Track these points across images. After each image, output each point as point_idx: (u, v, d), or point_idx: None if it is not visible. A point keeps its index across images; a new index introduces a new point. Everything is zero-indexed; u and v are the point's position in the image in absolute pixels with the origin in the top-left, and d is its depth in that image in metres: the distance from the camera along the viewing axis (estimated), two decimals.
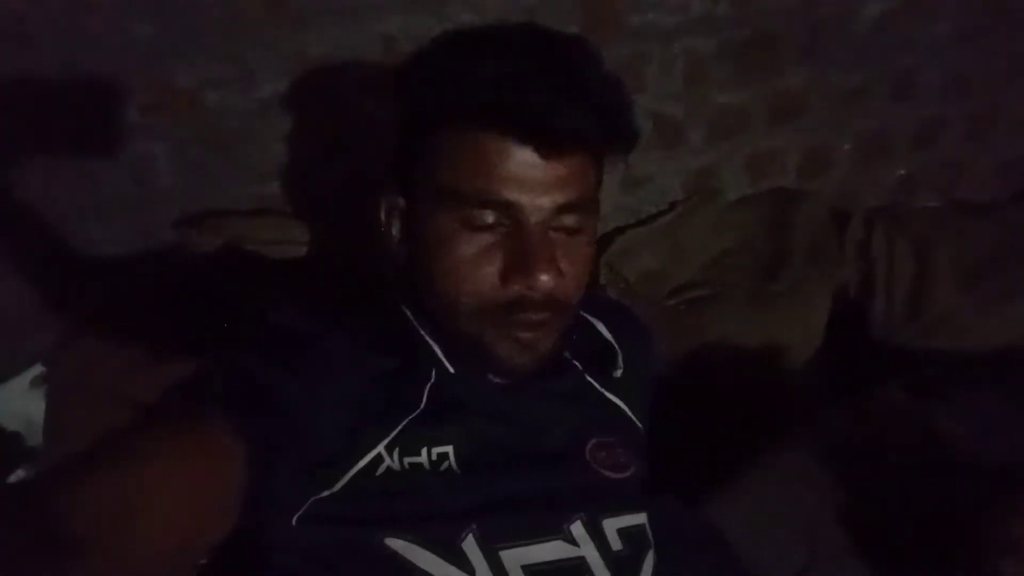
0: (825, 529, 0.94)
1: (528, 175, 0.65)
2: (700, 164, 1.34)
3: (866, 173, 1.43)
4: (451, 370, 0.73)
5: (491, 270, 0.67)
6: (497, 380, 0.74)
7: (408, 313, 0.77)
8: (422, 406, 0.69)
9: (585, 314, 0.86)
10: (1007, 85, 1.42)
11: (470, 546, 0.63)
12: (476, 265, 0.67)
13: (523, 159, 0.65)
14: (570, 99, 0.62)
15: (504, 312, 0.68)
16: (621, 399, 0.82)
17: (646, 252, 1.31)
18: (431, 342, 0.74)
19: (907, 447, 1.01)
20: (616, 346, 0.84)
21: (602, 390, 0.81)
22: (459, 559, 0.62)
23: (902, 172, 1.45)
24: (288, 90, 1.12)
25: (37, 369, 1.16)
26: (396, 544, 0.62)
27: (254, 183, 1.18)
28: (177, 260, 1.14)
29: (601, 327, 0.86)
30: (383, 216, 0.76)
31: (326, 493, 0.65)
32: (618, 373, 0.82)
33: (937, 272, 1.34)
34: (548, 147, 0.64)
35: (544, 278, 0.66)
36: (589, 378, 0.80)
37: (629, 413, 0.82)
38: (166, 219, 1.16)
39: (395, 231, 0.75)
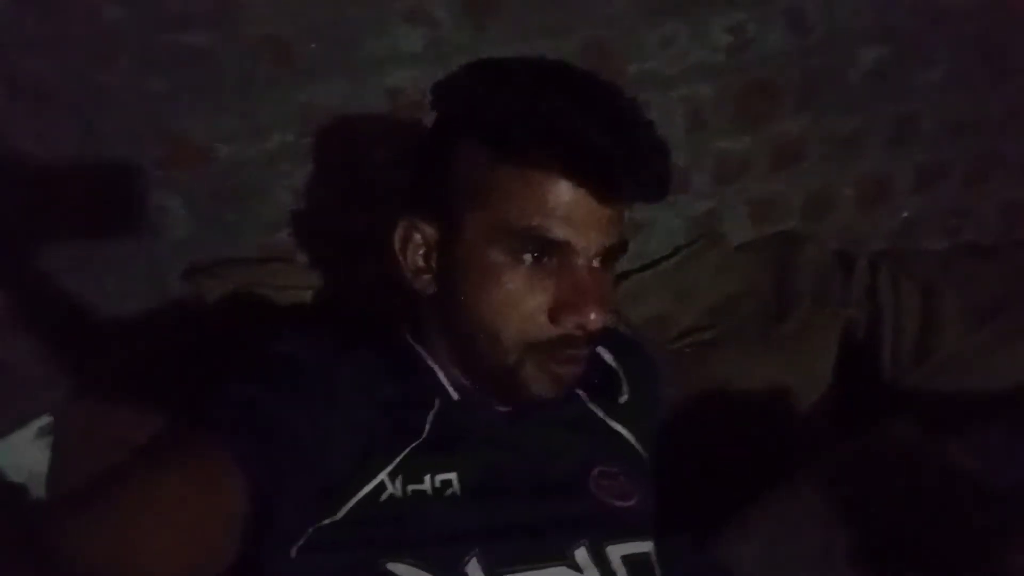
0: (837, 564, 0.92)
1: (582, 215, 0.66)
2: (703, 209, 1.36)
3: (868, 216, 1.44)
4: (455, 397, 0.73)
5: (538, 306, 0.68)
6: (501, 408, 0.74)
7: (412, 342, 0.77)
8: (425, 434, 0.69)
9: None
10: (1006, 128, 1.44)
11: (473, 570, 0.62)
12: (523, 300, 0.68)
13: (579, 199, 0.66)
14: (634, 148, 0.64)
15: (549, 347, 0.69)
16: (625, 427, 0.81)
17: (651, 297, 1.31)
18: (436, 370, 0.74)
19: (918, 479, 0.99)
20: (620, 373, 0.84)
21: (605, 418, 0.81)
22: None
23: (905, 215, 1.46)
24: (297, 143, 1.15)
25: (43, 420, 1.16)
26: (398, 568, 0.61)
27: (264, 233, 1.20)
28: (189, 308, 1.15)
29: (606, 355, 0.86)
30: (398, 243, 0.75)
31: (327, 521, 0.64)
32: (623, 399, 0.82)
33: (945, 314, 1.33)
34: (611, 192, 0.66)
35: (598, 317, 0.67)
36: (592, 406, 0.80)
37: (633, 442, 0.82)
38: (178, 270, 1.18)
39: (417, 259, 0.74)
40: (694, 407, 1.20)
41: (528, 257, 0.67)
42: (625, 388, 0.83)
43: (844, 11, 1.27)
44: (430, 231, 0.73)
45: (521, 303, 0.67)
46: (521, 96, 0.65)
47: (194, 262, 1.18)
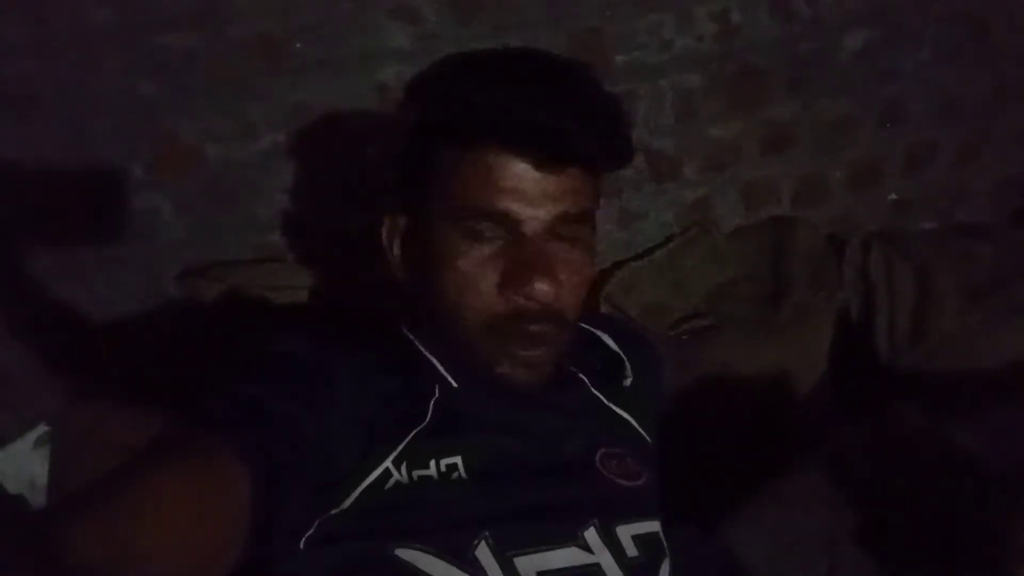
0: (844, 546, 0.92)
1: (526, 187, 0.66)
2: (694, 197, 1.36)
3: (860, 199, 1.45)
4: (455, 385, 0.72)
5: (490, 282, 0.68)
6: (501, 394, 0.73)
7: (409, 334, 0.77)
8: (428, 419, 0.69)
9: (591, 328, 0.86)
10: (995, 108, 1.44)
11: (483, 553, 0.62)
12: (476, 277, 0.68)
13: (521, 172, 0.66)
14: (570, 114, 0.64)
15: (504, 324, 0.68)
16: (628, 412, 0.81)
17: (646, 286, 1.31)
18: (433, 360, 0.74)
19: (924, 463, 0.99)
20: (624, 358, 0.84)
21: (609, 404, 0.80)
22: (472, 566, 0.61)
23: (893, 196, 1.46)
24: (287, 141, 1.15)
25: (41, 429, 1.15)
26: (407, 555, 0.61)
27: (257, 233, 1.20)
28: (183, 310, 1.14)
29: (608, 339, 0.86)
30: (384, 236, 0.77)
31: (334, 512, 0.64)
32: (628, 382, 0.82)
33: (939, 294, 1.33)
34: (548, 160, 0.65)
35: (541, 287, 0.66)
36: (595, 391, 0.80)
37: (636, 426, 0.81)
38: (172, 272, 1.17)
39: (396, 250, 0.77)
40: (692, 394, 1.20)
41: (478, 234, 0.67)
42: (629, 373, 0.83)
43: None
44: (403, 222, 0.75)
45: (474, 281, 0.68)
46: (463, 81, 0.67)
47: (188, 264, 1.17)
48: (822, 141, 1.38)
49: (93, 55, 1.05)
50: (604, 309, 1.28)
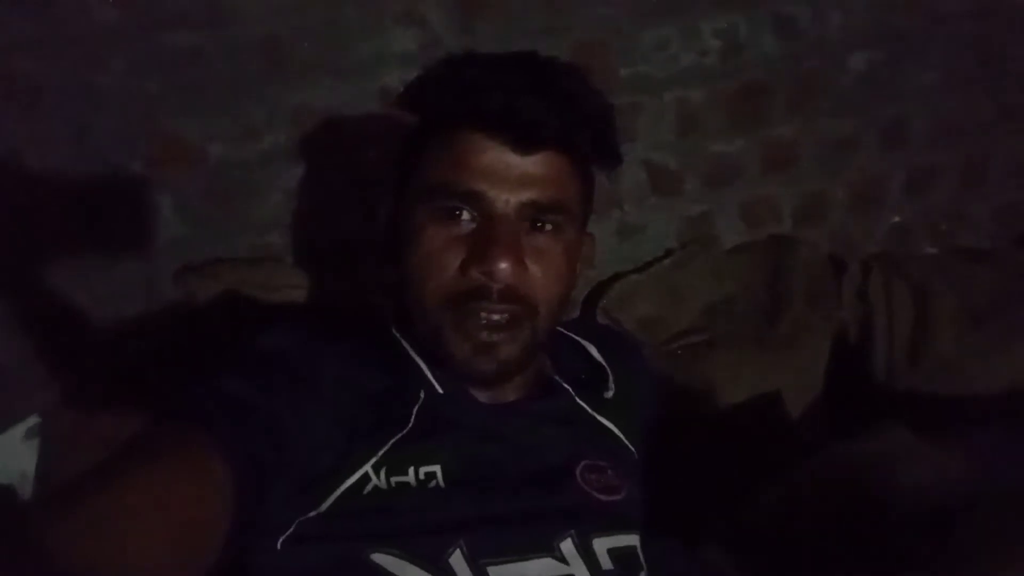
0: (829, 569, 0.91)
1: (498, 169, 0.67)
2: (695, 212, 1.36)
3: (861, 220, 1.44)
4: (440, 390, 0.73)
5: (455, 260, 0.68)
6: (485, 400, 0.74)
7: (398, 335, 0.77)
8: (410, 425, 0.69)
9: (577, 337, 0.86)
10: (997, 131, 1.44)
11: (457, 561, 0.62)
12: (441, 255, 0.68)
13: (492, 152, 0.67)
14: (543, 99, 0.65)
15: (463, 302, 0.68)
16: (613, 422, 0.81)
17: (644, 299, 1.31)
18: (420, 362, 0.74)
19: (910, 483, 0.98)
20: (607, 368, 0.84)
21: (593, 413, 0.80)
22: (446, 574, 0.61)
23: (897, 219, 1.46)
24: (288, 143, 1.16)
25: (32, 421, 1.16)
26: (382, 559, 0.61)
27: (256, 233, 1.20)
28: (181, 308, 1.15)
29: (592, 350, 0.86)
30: (382, 225, 0.79)
31: (312, 513, 0.64)
32: (609, 394, 0.82)
33: (937, 317, 1.33)
34: (517, 141, 0.66)
35: (502, 265, 0.66)
36: (580, 401, 0.80)
37: (621, 436, 0.81)
38: (170, 270, 1.17)
39: (387, 238, 0.78)
40: (686, 409, 1.20)
41: (450, 214, 0.68)
42: (611, 384, 0.83)
43: (835, 14, 1.28)
44: (392, 211, 0.77)
45: (439, 259, 0.68)
46: (444, 70, 0.69)
47: (186, 262, 1.18)
48: (824, 161, 1.38)
49: (97, 53, 1.05)
50: (600, 320, 1.28)
